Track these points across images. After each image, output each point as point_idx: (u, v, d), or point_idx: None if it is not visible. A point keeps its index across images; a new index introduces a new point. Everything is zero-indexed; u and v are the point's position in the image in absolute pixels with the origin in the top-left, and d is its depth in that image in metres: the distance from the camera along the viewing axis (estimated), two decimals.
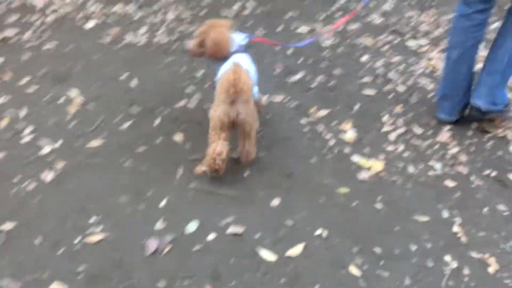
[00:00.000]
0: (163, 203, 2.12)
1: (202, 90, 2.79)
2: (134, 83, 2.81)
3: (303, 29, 3.53)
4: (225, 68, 2.19)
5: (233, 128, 2.17)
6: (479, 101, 2.55)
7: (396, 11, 3.90)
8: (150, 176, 2.25)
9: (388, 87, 3.01)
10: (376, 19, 3.76)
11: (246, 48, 2.33)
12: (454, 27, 2.53)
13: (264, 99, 2.69)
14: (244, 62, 2.21)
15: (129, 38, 3.22)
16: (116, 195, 2.14)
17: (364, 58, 3.27)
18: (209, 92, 2.75)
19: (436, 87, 3.04)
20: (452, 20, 2.62)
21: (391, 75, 3.13)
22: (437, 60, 3.32)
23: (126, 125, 2.51)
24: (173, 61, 3.02)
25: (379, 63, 3.23)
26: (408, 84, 3.05)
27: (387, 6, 3.97)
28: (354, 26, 3.62)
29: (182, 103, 2.68)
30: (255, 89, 2.31)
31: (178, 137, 2.46)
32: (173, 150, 2.39)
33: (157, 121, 2.54)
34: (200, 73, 2.94)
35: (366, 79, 3.06)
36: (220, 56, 2.23)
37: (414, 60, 3.30)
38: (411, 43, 3.50)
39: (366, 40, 3.47)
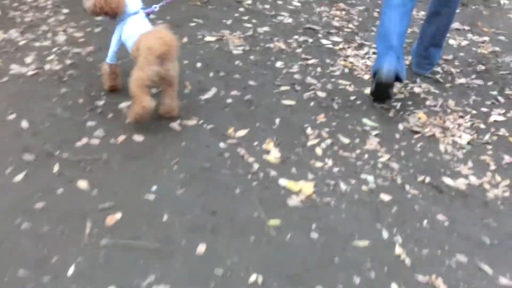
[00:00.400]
0: (71, 270, 1.84)
1: (105, 121, 2.51)
2: (25, 123, 2.48)
3: (209, 38, 3.31)
4: (136, 30, 2.39)
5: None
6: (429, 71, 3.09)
7: (305, 7, 3.77)
8: (53, 238, 1.95)
9: (308, 93, 2.86)
10: (286, 18, 3.61)
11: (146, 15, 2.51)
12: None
13: None
14: (147, 26, 2.43)
15: (14, 69, 2.86)
16: (12, 269, 1.84)
17: (279, 63, 3.11)
18: (113, 123, 2.48)
19: (355, 88, 2.93)
20: None
21: (310, 79, 2.99)
22: (354, 58, 3.21)
23: (19, 177, 2.19)
24: (68, 91, 2.71)
25: (296, 67, 3.08)
26: (328, 88, 2.92)
27: (296, 2, 3.82)
28: (264, 29, 3.45)
29: (83, 141, 2.38)
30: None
31: (83, 184, 2.17)
32: (78, 201, 2.10)
33: (56, 168, 2.23)
34: (101, 101, 2.65)
35: (284, 87, 2.90)
36: (117, 11, 2.39)
37: (330, 61, 3.18)
38: (326, 42, 3.38)
39: (279, 43, 3.30)
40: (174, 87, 2.44)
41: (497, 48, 3.50)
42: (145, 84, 2.30)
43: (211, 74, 2.94)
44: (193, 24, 3.42)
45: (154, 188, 2.16)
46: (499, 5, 4.15)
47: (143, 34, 2.34)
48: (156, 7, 2.55)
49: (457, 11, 3.79)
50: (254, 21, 3.53)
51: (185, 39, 3.25)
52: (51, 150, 2.32)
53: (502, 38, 3.65)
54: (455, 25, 3.71)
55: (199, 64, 3.02)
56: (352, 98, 2.87)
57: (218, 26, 3.42)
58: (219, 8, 3.65)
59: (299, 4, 3.80)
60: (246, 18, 3.56)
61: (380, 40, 2.68)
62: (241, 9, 3.66)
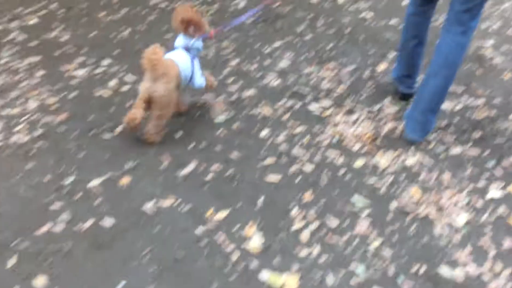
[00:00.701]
0: None
1: (72, 203, 2.33)
2: None
3: (191, 104, 3.16)
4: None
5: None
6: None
7: (293, 68, 3.65)
8: None
9: (294, 168, 2.70)
10: (272, 80, 3.48)
11: (190, 49, 2.76)
12: (407, 23, 3.06)
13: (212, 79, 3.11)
14: (180, 56, 2.69)
15: None
16: None
17: (264, 132, 2.96)
18: (81, 205, 2.30)
19: (345, 160, 2.78)
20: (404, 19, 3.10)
21: (296, 151, 2.83)
22: (343, 125, 3.07)
23: None
24: (34, 167, 2.54)
25: (281, 137, 2.93)
26: (315, 160, 2.76)
27: (283, 63, 3.71)
28: (249, 92, 3.31)
29: (45, 227, 2.20)
30: (198, 76, 2.83)
31: (41, 280, 1.98)
32: None
33: (12, 261, 2.04)
34: (69, 179, 2.47)
35: (269, 160, 2.74)
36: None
37: (319, 128, 3.03)
38: (314, 107, 3.25)
39: (264, 109, 3.16)
40: (158, 111, 2.60)
41: (492, 113, 3.37)
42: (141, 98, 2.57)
43: (191, 146, 2.79)
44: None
45: (121, 284, 1.97)
46: (492, 65, 4.05)
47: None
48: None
49: None
50: (240, 83, 3.40)
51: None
52: (8, 240, 2.12)
53: (497, 101, 3.52)
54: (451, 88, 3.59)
55: (178, 134, 2.87)
56: (342, 172, 2.71)
57: (201, 89, 3.28)
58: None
59: (287, 64, 3.68)
60: (231, 80, 3.43)
61: None
62: (227, 70, 3.53)
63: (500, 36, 4.59)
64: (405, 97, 3.32)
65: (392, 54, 3.98)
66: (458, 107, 3.41)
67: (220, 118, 3.04)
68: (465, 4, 2.59)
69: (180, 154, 2.71)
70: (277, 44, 3.98)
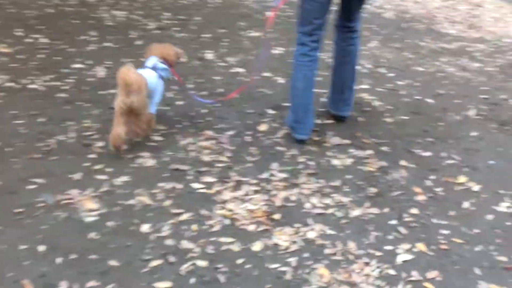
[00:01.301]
0: None
1: None
2: None
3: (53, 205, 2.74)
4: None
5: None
6: (348, 111, 3.75)
7: (168, 141, 3.36)
8: None
9: (186, 266, 2.39)
10: (147, 159, 3.15)
11: (157, 69, 3.33)
12: (296, 63, 3.33)
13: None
14: (149, 74, 3.23)
15: None
16: None
17: (145, 227, 2.62)
18: None
19: (242, 245, 2.51)
20: (294, 57, 3.36)
21: (185, 244, 2.53)
22: (233, 203, 2.81)
23: None
24: None
25: (166, 229, 2.61)
26: (209, 253, 2.48)
27: (157, 136, 3.40)
28: (122, 179, 2.96)
29: None
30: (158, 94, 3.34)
31: None
32: None
33: None
34: None
35: (155, 262, 2.40)
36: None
37: (206, 212, 2.74)
38: (197, 185, 2.97)
39: (141, 197, 2.82)
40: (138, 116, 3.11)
41: (383, 163, 3.31)
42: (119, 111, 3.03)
43: (58, 260, 2.36)
44: (31, 186, 2.84)
45: None
46: (372, 109, 4.05)
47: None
48: None
49: (332, 121, 3.65)
50: (109, 169, 3.03)
51: (20, 211, 2.65)
52: None
53: (385, 148, 3.49)
54: (336, 140, 3.50)
55: (41, 248, 2.43)
56: (240, 261, 2.43)
57: (64, 184, 2.87)
58: (63, 158, 3.11)
59: (160, 138, 3.37)
60: (99, 167, 3.05)
61: None
62: (92, 156, 3.14)
63: (373, 77, 4.66)
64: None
65: (271, 111, 3.84)
66: (348, 162, 3.31)
67: (91, 217, 2.65)
68: None
69: (46, 273, 2.28)
70: None
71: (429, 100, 4.29)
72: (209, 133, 3.49)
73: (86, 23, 5.46)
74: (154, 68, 3.32)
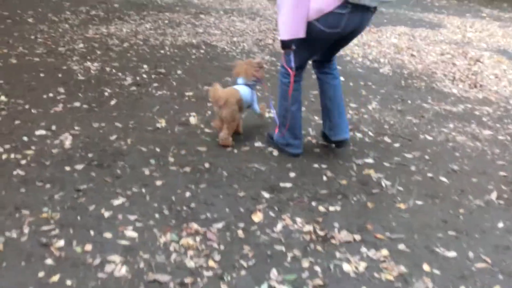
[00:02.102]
0: None
1: None
2: None
3: None
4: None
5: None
6: (347, 134, 3.91)
7: (143, 241, 2.79)
8: None
9: None
10: (117, 266, 2.58)
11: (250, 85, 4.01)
12: (285, 91, 3.67)
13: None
14: (241, 88, 3.92)
15: None
16: None
17: None
18: None
19: None
20: (280, 86, 3.71)
21: None
22: None
23: None
24: None
25: None
26: None
27: (130, 233, 2.84)
28: None
29: None
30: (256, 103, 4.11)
31: None
32: None
33: None
34: None
35: None
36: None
37: None
38: None
39: None
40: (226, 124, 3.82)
41: (402, 268, 2.79)
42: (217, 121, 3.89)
43: None
44: None
45: None
46: (381, 190, 3.55)
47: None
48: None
49: (338, 208, 3.15)
50: (69, 282, 2.45)
51: None
52: None
53: (402, 247, 2.97)
54: (344, 235, 2.98)
55: None
56: None
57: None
58: (13, 264, 2.52)
59: (134, 234, 2.81)
60: (56, 278, 2.47)
61: None
62: (49, 261, 2.56)
63: (378, 147, 4.18)
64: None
65: (266, 194, 3.33)
66: (361, 267, 2.78)
67: None
68: None
69: None
70: (118, 201, 3.12)
71: (444, 179, 3.82)
72: (194, 226, 2.95)
73: (54, 77, 4.93)
74: (246, 84, 3.96)
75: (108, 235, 2.80)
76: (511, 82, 6.46)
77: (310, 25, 3.34)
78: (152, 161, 3.58)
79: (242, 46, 6.60)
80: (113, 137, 3.86)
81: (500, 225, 3.33)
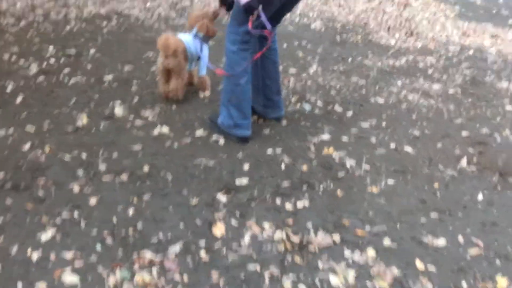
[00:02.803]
0: None
1: None
2: None
3: None
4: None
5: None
6: (283, 111, 3.70)
7: (87, 279, 2.27)
8: None
9: None
10: None
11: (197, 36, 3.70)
12: (237, 59, 3.21)
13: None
14: (185, 37, 3.69)
15: None
16: None
17: None
18: None
19: None
20: (229, 55, 3.24)
21: None
22: None
23: None
24: None
25: None
26: None
27: (68, 276, 2.30)
28: None
29: None
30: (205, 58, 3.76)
31: None
32: None
33: None
34: None
35: None
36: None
37: None
38: None
39: None
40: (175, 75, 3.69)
41: (395, 270, 2.46)
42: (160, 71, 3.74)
43: None
44: None
45: None
46: (348, 173, 3.18)
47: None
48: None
49: (307, 203, 2.75)
50: None
51: None
52: None
53: (387, 242, 2.64)
54: (321, 237, 2.60)
55: None
56: None
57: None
58: None
59: (75, 278, 2.28)
60: None
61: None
62: None
63: (331, 120, 3.79)
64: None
65: (223, 196, 2.88)
66: (350, 277, 2.41)
67: None
68: None
69: None
70: (47, 234, 2.56)
71: (408, 149, 3.51)
72: (147, 254, 2.44)
73: None
74: (195, 36, 3.69)
75: (41, 285, 2.24)
76: (444, 26, 6.24)
77: None
78: (80, 173, 3.00)
79: (158, 13, 5.93)
80: (27, 146, 3.21)
81: (480, 197, 3.07)
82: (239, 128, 3.38)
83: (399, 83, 4.55)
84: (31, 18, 5.50)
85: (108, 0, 6.22)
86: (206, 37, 3.74)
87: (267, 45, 3.15)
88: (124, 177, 2.99)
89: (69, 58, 4.54)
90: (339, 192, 3.00)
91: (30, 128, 3.40)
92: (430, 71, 4.86)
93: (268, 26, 3.01)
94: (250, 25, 2.99)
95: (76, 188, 2.86)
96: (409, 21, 6.22)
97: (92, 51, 4.71)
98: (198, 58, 3.78)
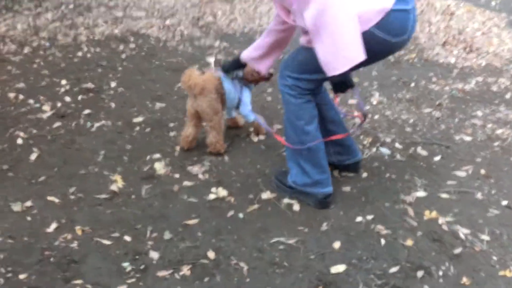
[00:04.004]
0: None
1: None
2: None
3: None
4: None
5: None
6: (360, 154, 3.01)
7: None
8: None
9: None
10: None
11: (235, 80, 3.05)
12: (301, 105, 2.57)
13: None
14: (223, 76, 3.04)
15: None
16: None
17: None
18: None
19: None
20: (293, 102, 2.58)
21: None
22: None
23: None
24: None
25: None
26: None
27: None
28: None
29: None
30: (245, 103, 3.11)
31: None
32: None
33: None
34: None
35: None
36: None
37: None
38: None
39: None
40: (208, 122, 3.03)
41: None
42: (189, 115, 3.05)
43: None
44: None
45: None
46: (465, 247, 2.48)
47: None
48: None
49: None
50: None
51: None
52: None
53: None
54: None
55: None
56: None
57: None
58: None
59: None
60: None
61: None
62: None
63: (417, 170, 3.08)
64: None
65: None
66: None
67: None
68: None
69: None
70: None
71: None
72: None
73: None
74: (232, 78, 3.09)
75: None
76: (500, 37, 5.55)
77: (367, 37, 2.21)
78: (126, 266, 2.28)
79: (180, 31, 5.20)
80: (52, 227, 2.49)
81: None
82: (319, 185, 2.70)
83: (479, 113, 3.85)
84: (35, 43, 4.76)
85: (121, 18, 5.48)
86: (243, 80, 3.09)
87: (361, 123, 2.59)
88: (185, 270, 2.27)
89: (87, 95, 3.80)
90: (465, 280, 2.30)
91: (53, 199, 2.67)
92: (508, 96, 4.16)
93: (363, 108, 2.44)
94: (336, 102, 2.39)
95: None
96: (461, 33, 5.52)
97: (113, 84, 3.98)
98: (237, 107, 3.16)
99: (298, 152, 2.64)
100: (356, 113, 2.80)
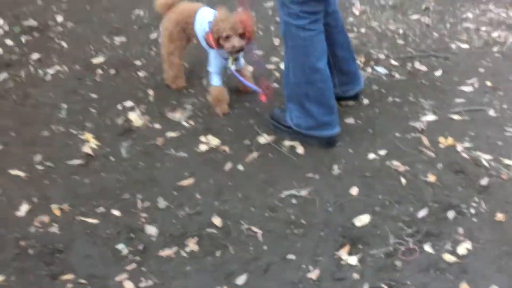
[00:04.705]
0: None
1: None
2: None
3: None
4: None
5: None
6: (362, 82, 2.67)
7: None
8: None
9: None
10: None
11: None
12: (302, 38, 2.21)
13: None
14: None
15: None
16: None
17: None
18: None
19: None
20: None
21: None
22: None
23: None
24: None
25: None
26: None
27: None
28: None
29: None
30: None
31: None
32: None
33: None
34: None
35: None
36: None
37: None
38: None
39: None
40: None
41: None
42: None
43: None
44: None
45: None
46: (491, 177, 2.24)
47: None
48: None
49: (470, 247, 1.85)
50: None
51: None
52: None
53: None
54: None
55: None
56: None
57: None
58: None
59: None
60: None
61: None
62: None
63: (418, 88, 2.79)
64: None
65: (353, 258, 1.91)
66: None
67: None
68: None
69: None
70: None
71: None
72: None
73: None
74: None
75: None
76: None
77: None
78: (122, 248, 1.94)
79: None
80: (23, 209, 2.10)
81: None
82: (325, 127, 2.39)
83: (470, 15, 3.54)
84: None
85: None
86: None
87: None
88: (191, 244, 1.94)
89: (32, 35, 3.25)
90: (499, 216, 2.07)
91: (16, 172, 2.25)
92: None
93: None
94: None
95: (127, 285, 1.80)
96: None
97: (59, 18, 3.43)
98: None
99: (303, 93, 2.27)
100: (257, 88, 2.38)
